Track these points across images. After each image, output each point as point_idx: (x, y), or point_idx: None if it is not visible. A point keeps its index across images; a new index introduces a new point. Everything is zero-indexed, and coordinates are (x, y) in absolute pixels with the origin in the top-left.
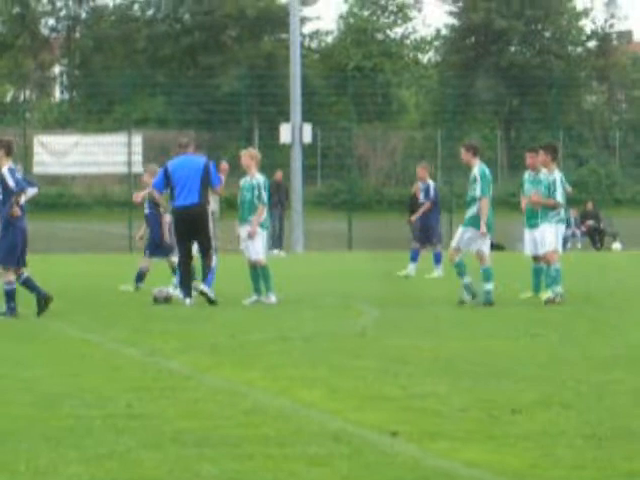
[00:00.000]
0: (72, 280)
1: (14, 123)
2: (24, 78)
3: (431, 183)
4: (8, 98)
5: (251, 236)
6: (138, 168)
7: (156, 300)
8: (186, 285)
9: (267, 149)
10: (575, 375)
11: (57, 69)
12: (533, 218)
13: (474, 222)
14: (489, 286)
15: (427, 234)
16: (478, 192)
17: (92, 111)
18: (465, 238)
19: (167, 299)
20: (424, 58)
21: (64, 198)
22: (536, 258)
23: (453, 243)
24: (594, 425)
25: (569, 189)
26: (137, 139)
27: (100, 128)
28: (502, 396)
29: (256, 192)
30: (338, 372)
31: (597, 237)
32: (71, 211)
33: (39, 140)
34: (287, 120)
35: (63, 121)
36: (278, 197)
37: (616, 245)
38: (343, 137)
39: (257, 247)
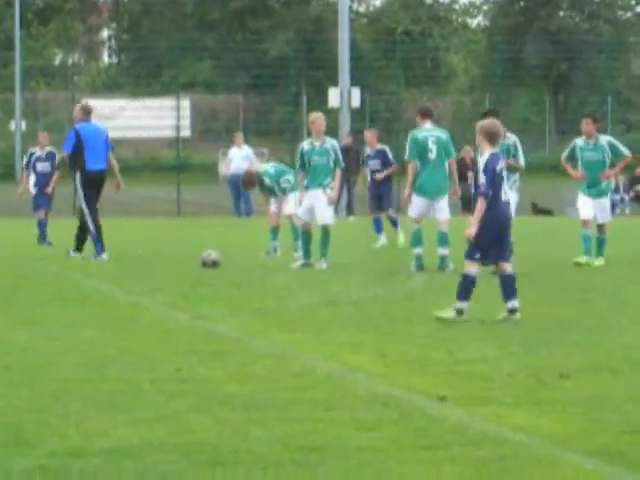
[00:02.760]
0: (121, 244)
1: (62, 87)
2: (72, 42)
3: (386, 147)
4: (57, 62)
5: (332, 201)
6: (186, 132)
7: (205, 264)
8: (100, 240)
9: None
10: (624, 341)
11: (105, 33)
12: (596, 186)
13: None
14: (444, 251)
15: (381, 201)
16: (406, 156)
17: (140, 75)
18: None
19: (215, 263)
20: (473, 22)
21: None
22: (586, 223)
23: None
24: None
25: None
26: (185, 103)
27: (148, 92)
28: (550, 361)
29: (332, 156)
30: (386, 337)
31: None
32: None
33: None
34: (335, 84)
35: (111, 85)
36: (348, 162)
37: None
38: (391, 101)
39: (329, 212)
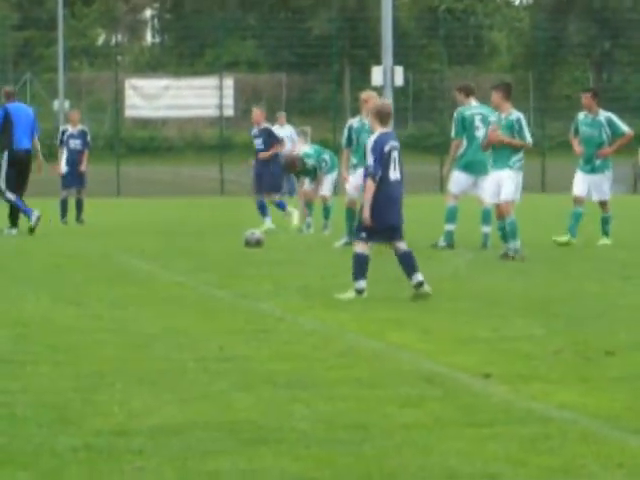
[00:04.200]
0: (165, 223)
1: (105, 67)
2: (116, 22)
3: (271, 127)
4: (100, 42)
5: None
6: (229, 111)
7: (248, 243)
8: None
9: (358, 92)
10: None
11: (148, 12)
12: (590, 162)
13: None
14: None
15: (262, 181)
16: (452, 133)
17: (183, 54)
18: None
19: (259, 242)
20: (516, 0)
21: (155, 141)
22: (577, 200)
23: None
24: None
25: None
26: (228, 82)
27: (192, 71)
28: (596, 338)
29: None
30: (430, 314)
31: None
32: (162, 154)
33: (131, 84)
34: (378, 63)
35: (154, 64)
36: None
37: None
38: (434, 79)
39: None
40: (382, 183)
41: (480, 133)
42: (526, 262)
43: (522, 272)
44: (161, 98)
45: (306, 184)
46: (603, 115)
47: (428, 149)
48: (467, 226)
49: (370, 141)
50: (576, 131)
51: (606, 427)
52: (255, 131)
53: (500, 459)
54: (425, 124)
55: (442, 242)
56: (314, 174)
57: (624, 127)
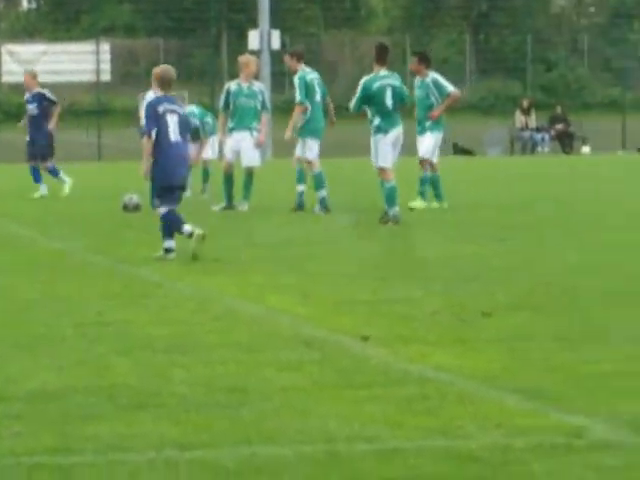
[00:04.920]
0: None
1: None
2: None
3: (45, 91)
4: None
5: (259, 145)
6: (106, 77)
7: (126, 208)
8: None
9: (236, 56)
10: (546, 279)
11: None
12: (420, 124)
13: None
14: (322, 193)
15: (35, 148)
16: (297, 97)
17: (59, 20)
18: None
19: (137, 207)
20: None
21: None
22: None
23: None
24: (564, 328)
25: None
26: (105, 47)
27: (68, 37)
28: (473, 300)
29: (260, 99)
30: (310, 278)
31: (566, 141)
32: None
33: (7, 49)
34: (255, 27)
35: (31, 30)
36: None
37: (585, 149)
38: (311, 43)
39: (255, 154)
40: (162, 145)
41: (318, 98)
42: (403, 226)
43: (400, 235)
44: (38, 64)
45: (207, 151)
46: (430, 77)
47: None
48: (343, 190)
49: (145, 103)
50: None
51: (483, 388)
52: (28, 96)
53: (378, 421)
54: None
55: (318, 209)
56: (197, 134)
57: (450, 87)
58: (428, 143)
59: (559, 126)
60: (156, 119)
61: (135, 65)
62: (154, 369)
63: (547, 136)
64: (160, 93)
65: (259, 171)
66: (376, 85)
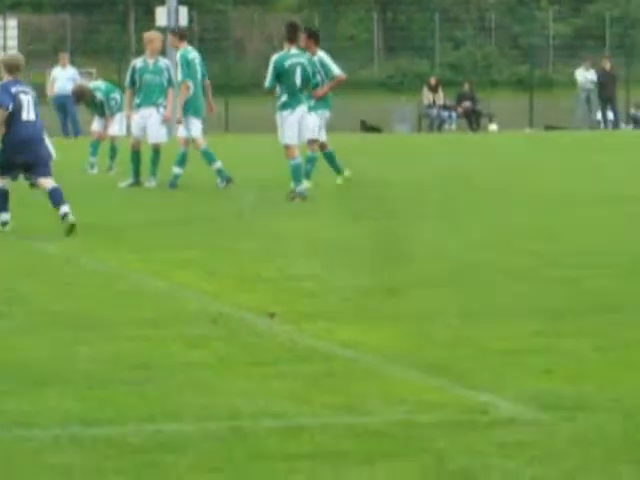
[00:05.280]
0: None
1: None
2: None
3: None
4: None
5: (165, 121)
6: (13, 52)
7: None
8: None
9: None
10: (452, 255)
11: None
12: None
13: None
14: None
15: None
16: (179, 76)
17: None
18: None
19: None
20: None
21: None
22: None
23: (194, 133)
24: (469, 304)
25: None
26: (12, 23)
27: None
28: (379, 277)
29: (166, 75)
30: (215, 254)
31: (473, 118)
32: None
33: None
34: (162, 3)
35: None
36: None
37: (492, 126)
38: (220, 20)
39: (162, 131)
40: (14, 124)
41: (199, 76)
42: (310, 202)
43: (306, 211)
44: None
45: (95, 123)
46: (318, 55)
47: (214, 90)
48: (252, 167)
49: None
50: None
51: (388, 364)
52: None
53: (284, 397)
54: (210, 65)
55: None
56: (101, 110)
57: (336, 70)
58: (313, 123)
59: (466, 104)
60: (11, 97)
61: (42, 41)
62: (59, 345)
63: (454, 113)
64: (10, 78)
65: (166, 148)
66: (287, 63)
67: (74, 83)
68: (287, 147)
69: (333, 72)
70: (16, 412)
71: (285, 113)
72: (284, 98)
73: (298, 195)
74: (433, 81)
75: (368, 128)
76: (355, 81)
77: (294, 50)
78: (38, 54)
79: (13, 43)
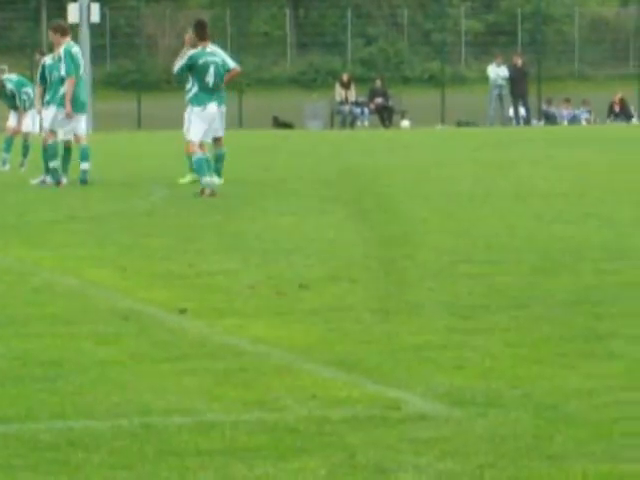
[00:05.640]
0: None
1: None
2: None
3: None
4: None
5: (69, 115)
6: None
7: None
8: None
9: None
10: (363, 251)
11: None
12: None
13: (63, 102)
14: (85, 165)
15: None
16: (63, 72)
17: None
18: (59, 119)
19: None
20: None
21: None
22: None
23: (47, 125)
24: (382, 300)
25: None
26: None
27: None
28: (290, 272)
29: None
30: (127, 251)
31: (386, 115)
32: None
33: None
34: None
35: None
36: None
37: (404, 122)
38: (132, 16)
39: (79, 127)
40: None
41: (82, 71)
42: (221, 198)
43: (217, 207)
44: None
45: (10, 119)
46: (211, 49)
47: (126, 86)
48: (162, 162)
49: None
50: None
51: (300, 360)
52: None
53: (195, 394)
54: (123, 61)
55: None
56: (13, 102)
57: (231, 63)
58: (220, 120)
59: (378, 100)
60: None
61: None
62: None
63: (367, 110)
64: None
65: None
66: (201, 60)
67: None
68: (191, 143)
69: (229, 65)
70: None
71: (196, 109)
72: (194, 91)
73: (207, 187)
74: (345, 77)
75: (280, 124)
76: (267, 77)
77: (210, 47)
78: None
79: None
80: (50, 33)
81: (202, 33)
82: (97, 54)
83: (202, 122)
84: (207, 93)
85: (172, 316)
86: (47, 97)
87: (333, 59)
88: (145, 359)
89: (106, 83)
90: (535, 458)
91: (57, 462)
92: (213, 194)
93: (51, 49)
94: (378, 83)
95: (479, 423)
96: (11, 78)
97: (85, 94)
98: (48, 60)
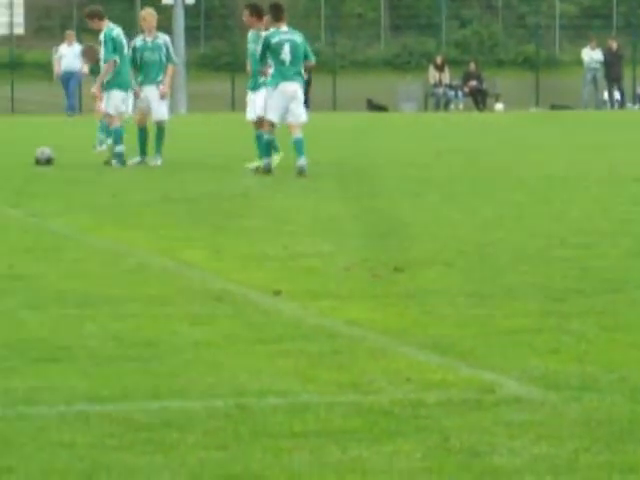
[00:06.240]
0: None
1: None
2: None
3: None
4: None
5: (163, 96)
6: (20, 30)
7: (38, 162)
8: None
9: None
10: (457, 234)
11: None
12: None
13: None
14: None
15: None
16: (103, 56)
17: None
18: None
19: (49, 161)
20: None
21: None
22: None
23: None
24: (476, 283)
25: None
26: (19, 0)
27: None
28: (385, 255)
29: (164, 51)
30: (221, 232)
31: (479, 98)
32: None
33: None
34: None
35: None
36: None
37: (498, 106)
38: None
39: (163, 108)
40: None
41: (125, 51)
42: (316, 180)
43: (312, 190)
44: None
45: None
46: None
47: (220, 67)
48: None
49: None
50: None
51: (394, 342)
52: None
53: (289, 375)
54: (217, 43)
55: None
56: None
57: (310, 54)
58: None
59: (472, 83)
60: None
61: (48, 19)
62: (65, 323)
63: (460, 93)
64: None
65: (172, 125)
66: (275, 40)
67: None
68: (265, 120)
69: (310, 55)
70: (21, 389)
71: (271, 88)
72: (271, 72)
73: (264, 169)
74: (439, 60)
75: (374, 107)
76: (361, 59)
77: (284, 28)
78: (44, 32)
79: (19, 20)
80: (87, 21)
81: (277, 14)
82: (191, 35)
83: (278, 101)
84: (283, 72)
85: (266, 297)
86: (139, 79)
87: (427, 41)
88: (239, 340)
89: (200, 65)
90: (630, 442)
91: (152, 442)
92: (303, 174)
93: (143, 30)
94: (472, 66)
95: (574, 407)
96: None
97: (128, 74)
98: (138, 42)
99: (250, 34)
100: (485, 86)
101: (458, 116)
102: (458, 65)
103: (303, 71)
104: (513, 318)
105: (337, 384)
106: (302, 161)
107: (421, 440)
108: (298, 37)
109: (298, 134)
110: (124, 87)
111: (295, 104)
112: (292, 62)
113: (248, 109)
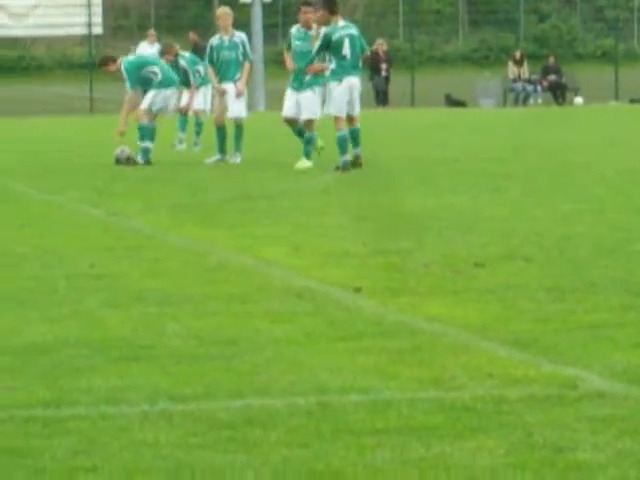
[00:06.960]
0: (35, 143)
1: None
2: None
3: None
4: None
5: (239, 93)
6: (98, 29)
7: (118, 161)
8: None
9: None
10: (537, 229)
11: None
12: (298, 79)
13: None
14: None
15: None
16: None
17: None
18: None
19: (129, 160)
20: None
21: (24, 61)
22: (290, 122)
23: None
24: (556, 278)
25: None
26: (96, 0)
27: None
28: (465, 251)
29: (241, 49)
30: (301, 229)
31: (559, 92)
32: (32, 73)
33: None
34: None
35: None
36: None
37: (577, 99)
38: None
39: (240, 105)
40: None
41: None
42: (394, 176)
43: (391, 187)
44: (29, 17)
45: (184, 99)
46: (322, 31)
47: None
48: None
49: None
50: (289, 46)
51: (475, 338)
52: None
53: (370, 372)
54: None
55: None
56: (184, 78)
57: (365, 45)
58: (311, 102)
59: (552, 77)
60: None
61: (126, 18)
62: (146, 321)
63: (540, 87)
64: None
65: (250, 123)
66: (336, 36)
67: None
68: (335, 119)
69: (365, 46)
70: (104, 388)
71: (334, 84)
72: (332, 67)
73: (342, 166)
74: (518, 54)
75: (453, 102)
76: (439, 55)
77: (342, 22)
78: (122, 31)
79: (98, 20)
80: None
81: (333, 8)
82: (269, 33)
83: (342, 96)
84: (345, 66)
85: (347, 295)
86: (217, 77)
87: (505, 36)
88: (320, 338)
89: (278, 62)
90: None
91: (235, 440)
92: (359, 165)
93: (220, 29)
94: (551, 60)
95: None
96: (184, 55)
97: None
98: (215, 40)
99: (295, 31)
100: (564, 80)
101: (537, 110)
102: (537, 59)
103: (360, 64)
104: (594, 313)
105: (418, 380)
106: (359, 150)
107: (504, 436)
108: (355, 30)
109: (357, 125)
110: (169, 85)
111: (355, 96)
112: (352, 56)
113: (288, 107)
